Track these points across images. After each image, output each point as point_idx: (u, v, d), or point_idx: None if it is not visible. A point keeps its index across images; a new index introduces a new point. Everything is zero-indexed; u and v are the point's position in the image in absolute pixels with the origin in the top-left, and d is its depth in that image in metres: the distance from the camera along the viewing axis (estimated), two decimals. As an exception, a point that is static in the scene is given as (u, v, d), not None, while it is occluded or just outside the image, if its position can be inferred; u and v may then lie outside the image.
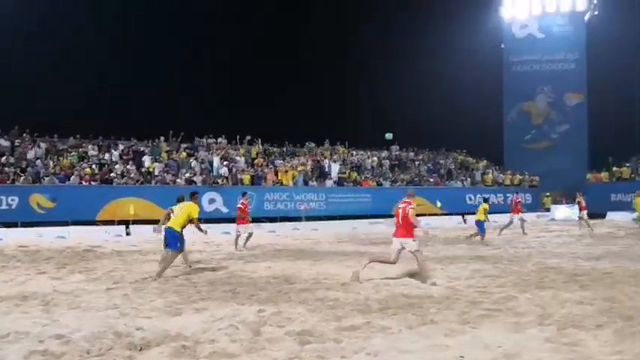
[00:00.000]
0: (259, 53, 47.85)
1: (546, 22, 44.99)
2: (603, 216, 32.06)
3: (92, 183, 23.46)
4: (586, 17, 44.76)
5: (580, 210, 25.21)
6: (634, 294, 8.62)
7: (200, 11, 44.27)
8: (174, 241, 11.33)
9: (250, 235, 17.51)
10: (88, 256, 15.46)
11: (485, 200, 20.48)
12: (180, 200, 13.18)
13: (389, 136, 26.06)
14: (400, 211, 10.49)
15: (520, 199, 23.49)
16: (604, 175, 36.74)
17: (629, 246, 16.76)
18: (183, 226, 11.47)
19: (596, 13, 44.63)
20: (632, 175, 35.12)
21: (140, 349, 5.96)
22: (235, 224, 17.61)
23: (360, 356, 5.70)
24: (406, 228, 10.41)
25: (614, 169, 36.13)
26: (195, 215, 11.62)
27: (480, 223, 19.01)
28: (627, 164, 36.41)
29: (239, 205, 17.61)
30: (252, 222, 18.23)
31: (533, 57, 45.19)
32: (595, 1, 44.60)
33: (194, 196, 12.32)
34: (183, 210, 11.57)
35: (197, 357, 5.72)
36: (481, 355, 5.68)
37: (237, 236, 17.27)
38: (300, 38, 48.52)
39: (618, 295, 8.57)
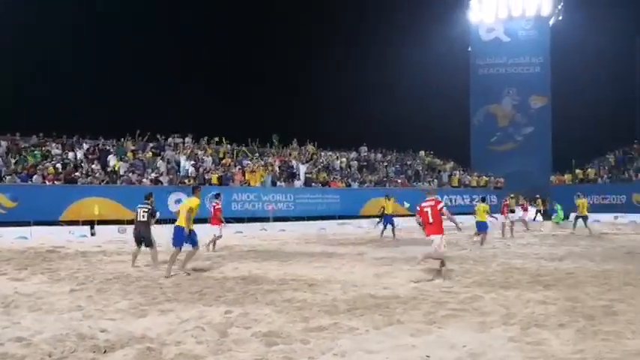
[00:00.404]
0: (229, 54, 47.64)
1: (512, 25, 45.75)
2: (567, 217, 32.65)
3: (56, 182, 22.98)
4: (550, 22, 45.66)
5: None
6: (595, 294, 8.81)
7: (167, 7, 43.92)
8: (190, 237, 11.58)
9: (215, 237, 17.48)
10: (50, 256, 15.15)
11: (483, 200, 20.80)
12: (148, 197, 13.05)
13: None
14: (429, 209, 10.81)
15: (508, 202, 23.59)
16: (567, 177, 37.52)
17: (591, 247, 17.14)
18: (191, 221, 11.65)
19: (560, 18, 45.58)
20: (595, 177, 35.97)
21: (104, 352, 5.86)
22: (217, 226, 17.39)
23: (327, 357, 5.70)
24: (437, 225, 10.76)
25: (577, 171, 36.95)
26: (194, 205, 11.71)
27: (481, 224, 18.76)
28: (590, 165, 37.26)
29: (217, 207, 17.61)
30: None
31: (499, 60, 45.94)
32: (559, 7, 45.53)
33: (197, 191, 12.48)
34: (184, 205, 11.83)
35: (162, 359, 5.65)
36: (447, 354, 5.72)
37: (218, 237, 17.22)
38: (267, 38, 48.51)
39: (580, 294, 8.75)
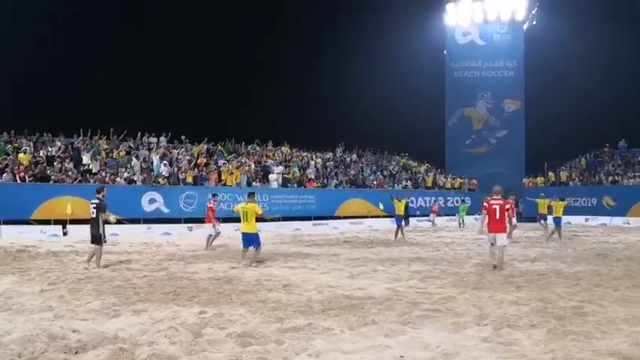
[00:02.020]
0: (204, 54, 47.39)
1: (487, 29, 46.22)
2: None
3: (27, 180, 22.54)
4: (525, 27, 46.22)
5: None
6: (566, 295, 8.94)
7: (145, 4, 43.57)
8: (254, 240, 12.94)
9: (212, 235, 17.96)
10: (21, 256, 14.94)
11: (562, 199, 22.03)
12: (98, 191, 12.84)
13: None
14: (497, 207, 11.89)
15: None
16: (539, 179, 38.09)
17: (562, 249, 17.39)
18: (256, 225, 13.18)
19: (534, 23, 46.17)
20: (567, 180, 36.55)
21: (76, 352, 5.78)
22: (211, 225, 17.84)
23: (301, 357, 5.69)
24: (502, 223, 11.91)
25: (550, 173, 37.52)
26: (260, 212, 13.21)
27: (559, 220, 20.92)
28: (562, 169, 37.82)
29: (210, 206, 18.11)
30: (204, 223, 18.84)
31: (474, 64, 46.36)
32: (533, 12, 46.12)
33: (252, 197, 13.25)
34: (249, 214, 12.85)
35: (135, 359, 5.59)
36: (420, 354, 5.76)
37: (217, 235, 17.72)
38: (245, 39, 48.37)
39: (551, 295, 8.87)
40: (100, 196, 12.70)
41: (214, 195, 19.05)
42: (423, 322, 7.07)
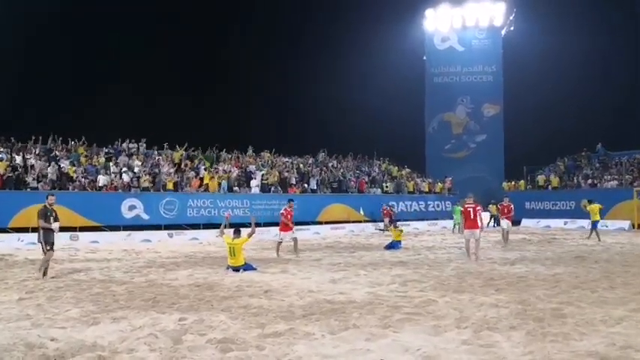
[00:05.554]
0: (186, 61, 47.22)
1: (466, 35, 46.61)
2: (518, 223, 33.45)
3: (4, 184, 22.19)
4: (503, 32, 46.71)
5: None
6: (545, 297, 9.04)
7: (118, 11, 43.24)
8: (246, 268, 12.99)
9: (295, 240, 17.66)
10: (-2, 264, 14.74)
11: (590, 202, 22.98)
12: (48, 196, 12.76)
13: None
14: (471, 210, 15.06)
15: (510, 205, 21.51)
16: (521, 183, 38.48)
17: (541, 251, 17.55)
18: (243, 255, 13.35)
19: (512, 28, 46.68)
20: (545, 184, 36.93)
21: (53, 361, 5.72)
22: (279, 231, 17.70)
23: (282, 362, 5.69)
24: (477, 221, 15.02)
25: (539, 177, 37.90)
26: (248, 239, 13.53)
27: (596, 222, 22.49)
28: (542, 172, 38.18)
29: (283, 212, 17.70)
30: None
31: (454, 69, 46.69)
32: (511, 17, 46.64)
33: (236, 231, 13.44)
34: (236, 249, 13.05)
35: (114, 367, 5.55)
36: (401, 358, 5.79)
37: (279, 243, 17.43)
38: (228, 47, 48.30)
39: (531, 298, 8.96)
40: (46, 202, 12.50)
41: (290, 201, 18.61)
42: (403, 325, 7.11)
